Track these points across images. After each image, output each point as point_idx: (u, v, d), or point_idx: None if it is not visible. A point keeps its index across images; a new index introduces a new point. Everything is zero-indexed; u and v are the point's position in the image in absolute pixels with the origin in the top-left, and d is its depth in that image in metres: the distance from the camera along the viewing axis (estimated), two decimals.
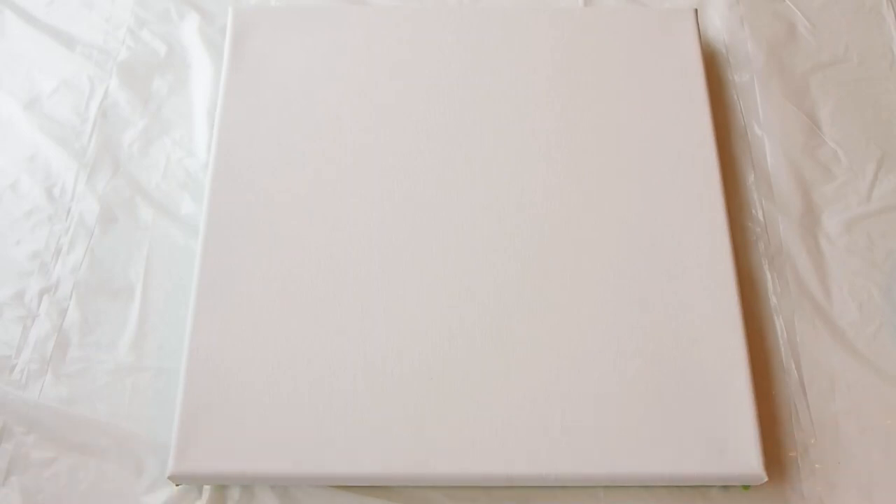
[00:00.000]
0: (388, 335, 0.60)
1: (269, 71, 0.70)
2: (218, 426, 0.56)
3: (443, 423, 0.56)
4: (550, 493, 0.58)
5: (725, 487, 0.58)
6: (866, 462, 0.58)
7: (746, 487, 0.57)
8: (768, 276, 0.65)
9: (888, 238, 0.67)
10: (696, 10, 0.73)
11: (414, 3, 0.79)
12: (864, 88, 0.74)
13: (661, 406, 0.57)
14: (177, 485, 0.57)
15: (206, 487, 0.58)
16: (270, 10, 0.76)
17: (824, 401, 0.61)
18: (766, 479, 0.55)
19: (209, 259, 0.62)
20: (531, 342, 0.59)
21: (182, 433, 0.56)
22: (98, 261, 0.66)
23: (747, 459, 0.55)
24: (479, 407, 0.57)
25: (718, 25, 0.78)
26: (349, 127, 0.68)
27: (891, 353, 0.62)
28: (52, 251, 0.66)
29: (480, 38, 0.72)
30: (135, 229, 0.67)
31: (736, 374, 0.58)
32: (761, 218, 0.68)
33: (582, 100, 0.69)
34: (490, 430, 0.56)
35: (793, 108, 0.73)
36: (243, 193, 0.65)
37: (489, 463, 0.56)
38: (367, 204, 0.65)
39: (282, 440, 0.56)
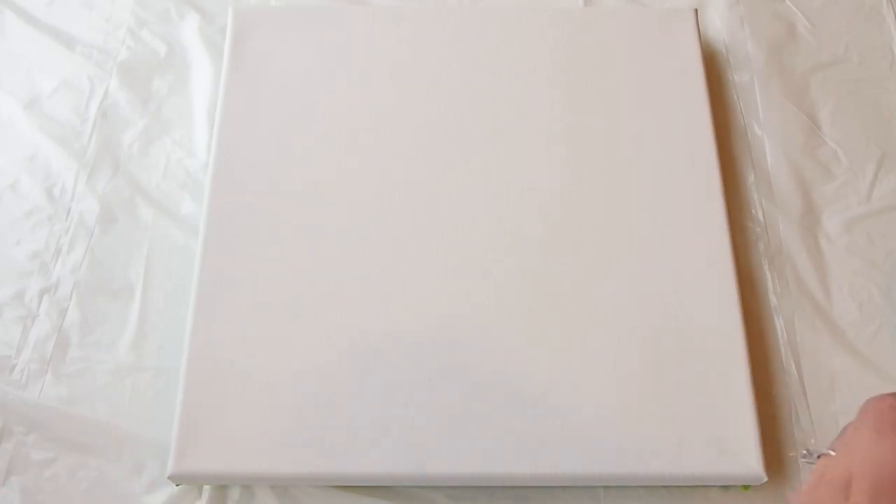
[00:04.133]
0: (389, 335, 0.60)
1: (269, 71, 0.70)
2: (218, 426, 0.56)
3: (443, 423, 0.56)
4: (550, 493, 0.58)
5: (725, 487, 0.58)
6: None
7: (746, 487, 0.57)
8: (768, 276, 0.65)
9: (888, 238, 0.67)
10: (696, 10, 0.73)
11: (414, 3, 0.79)
12: (864, 88, 0.74)
13: (661, 406, 0.57)
14: (177, 485, 0.57)
15: (206, 487, 0.58)
16: (270, 10, 0.76)
17: (824, 401, 0.61)
18: (765, 479, 0.55)
19: (209, 259, 0.62)
20: (531, 342, 0.59)
21: (182, 433, 0.56)
22: (98, 261, 0.66)
23: (747, 459, 0.55)
24: (478, 407, 0.57)
25: (718, 25, 0.78)
26: (349, 127, 0.68)
27: (891, 353, 0.62)
28: (52, 251, 0.66)
29: (480, 38, 0.72)
30: (135, 229, 0.67)
31: (736, 374, 0.58)
32: (761, 218, 0.68)
33: (582, 100, 0.69)
34: (490, 430, 0.56)
35: (793, 108, 0.73)
36: (243, 193, 0.65)
37: (489, 463, 0.56)
38: (367, 204, 0.64)
39: (282, 440, 0.56)
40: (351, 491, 0.57)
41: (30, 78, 0.74)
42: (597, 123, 0.68)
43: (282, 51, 0.71)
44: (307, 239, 0.63)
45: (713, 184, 0.65)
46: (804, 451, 0.37)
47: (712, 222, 0.63)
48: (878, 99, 0.73)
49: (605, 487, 0.58)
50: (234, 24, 0.72)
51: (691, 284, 0.61)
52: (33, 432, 0.59)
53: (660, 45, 0.71)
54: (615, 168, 0.66)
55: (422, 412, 0.57)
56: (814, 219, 0.68)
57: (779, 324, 0.63)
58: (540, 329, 0.60)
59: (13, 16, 0.77)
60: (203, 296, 0.61)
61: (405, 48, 0.72)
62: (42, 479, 0.58)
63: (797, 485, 0.58)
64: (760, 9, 0.78)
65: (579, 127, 0.68)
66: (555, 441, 0.56)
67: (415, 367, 0.58)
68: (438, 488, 0.57)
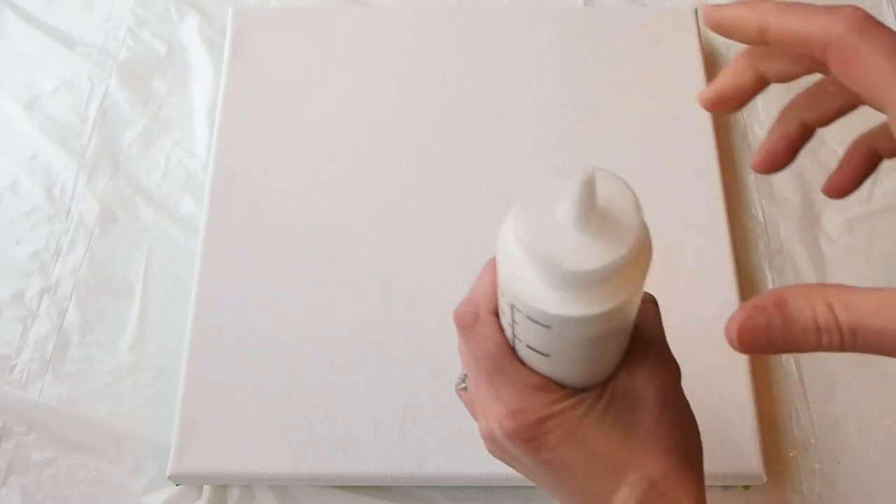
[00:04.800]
0: (389, 335, 0.60)
1: (269, 71, 0.70)
2: (218, 426, 0.56)
3: (443, 423, 0.56)
4: None
5: (725, 487, 0.58)
6: (866, 462, 0.58)
7: (746, 487, 0.57)
8: (768, 276, 0.65)
9: (888, 238, 0.67)
10: (696, 10, 0.73)
11: (414, 3, 0.79)
12: None
13: None
14: (177, 485, 0.57)
15: (206, 487, 0.58)
16: (270, 10, 0.76)
17: (824, 401, 0.61)
18: (765, 479, 0.55)
19: (209, 259, 0.62)
20: None
21: (182, 433, 0.56)
22: (98, 261, 0.66)
23: (747, 459, 0.55)
24: None
25: None
26: (349, 127, 0.68)
27: None
28: (52, 251, 0.66)
29: (480, 38, 0.72)
30: (135, 229, 0.67)
31: (736, 375, 0.58)
32: (761, 218, 0.68)
33: (582, 100, 0.69)
34: None
35: None
36: (243, 193, 0.65)
37: (489, 463, 0.55)
38: (368, 204, 0.65)
39: (281, 440, 0.56)
40: (351, 491, 0.57)
41: (30, 78, 0.74)
42: (596, 123, 0.68)
43: (282, 51, 0.71)
44: (307, 239, 0.63)
45: (713, 184, 0.65)
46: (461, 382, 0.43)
47: (712, 222, 0.63)
48: None
49: None
50: (234, 24, 0.72)
51: (691, 284, 0.61)
52: (33, 432, 0.59)
53: (660, 45, 0.71)
54: (615, 168, 0.66)
55: (422, 412, 0.57)
56: (814, 219, 0.68)
57: None
58: None
59: (13, 16, 0.77)
60: (203, 296, 0.61)
61: (405, 48, 0.72)
62: (42, 479, 0.58)
63: (797, 485, 0.58)
64: None
65: (579, 127, 0.68)
66: None
67: (415, 367, 0.58)
68: (438, 488, 0.57)
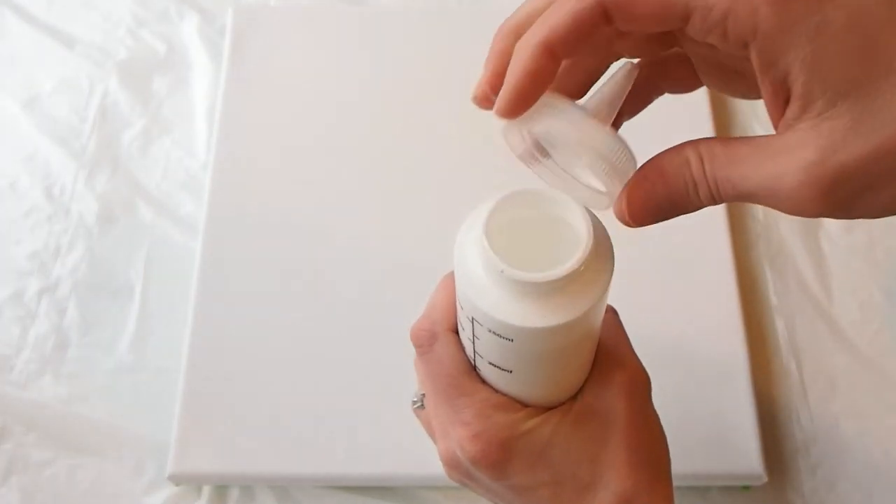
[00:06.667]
0: (390, 334, 0.59)
1: (269, 71, 0.70)
2: (218, 426, 0.56)
3: None
4: None
5: (725, 487, 0.57)
6: (866, 462, 0.58)
7: (746, 487, 0.57)
8: (768, 276, 0.65)
9: (889, 237, 0.67)
10: None
11: (414, 3, 0.79)
12: None
13: (661, 406, 0.57)
14: (177, 485, 0.57)
15: (206, 487, 0.57)
16: (270, 10, 0.76)
17: (824, 401, 0.61)
18: (766, 479, 0.55)
19: (209, 259, 0.62)
20: None
21: (182, 433, 0.56)
22: (98, 261, 0.66)
23: (747, 459, 0.55)
24: None
25: None
26: (349, 126, 0.68)
27: (892, 352, 0.62)
28: (51, 251, 0.66)
29: (480, 38, 0.72)
30: (135, 229, 0.67)
31: (736, 375, 0.58)
32: (762, 218, 0.68)
33: None
34: None
35: None
36: (243, 193, 0.65)
37: None
38: (369, 204, 0.64)
39: (282, 440, 0.56)
40: (351, 491, 0.57)
41: (29, 77, 0.74)
42: None
43: (282, 51, 0.71)
44: (308, 239, 0.63)
45: None
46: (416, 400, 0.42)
47: (712, 222, 0.63)
48: None
49: None
50: (234, 24, 0.72)
51: (691, 284, 0.61)
52: (33, 432, 0.59)
53: None
54: None
55: None
56: (815, 219, 0.68)
57: (779, 324, 0.63)
58: None
59: (13, 16, 0.77)
60: (203, 296, 0.61)
61: (405, 48, 0.72)
62: (41, 479, 0.58)
63: (797, 485, 0.58)
64: None
65: None
66: None
67: None
68: (438, 488, 0.57)
